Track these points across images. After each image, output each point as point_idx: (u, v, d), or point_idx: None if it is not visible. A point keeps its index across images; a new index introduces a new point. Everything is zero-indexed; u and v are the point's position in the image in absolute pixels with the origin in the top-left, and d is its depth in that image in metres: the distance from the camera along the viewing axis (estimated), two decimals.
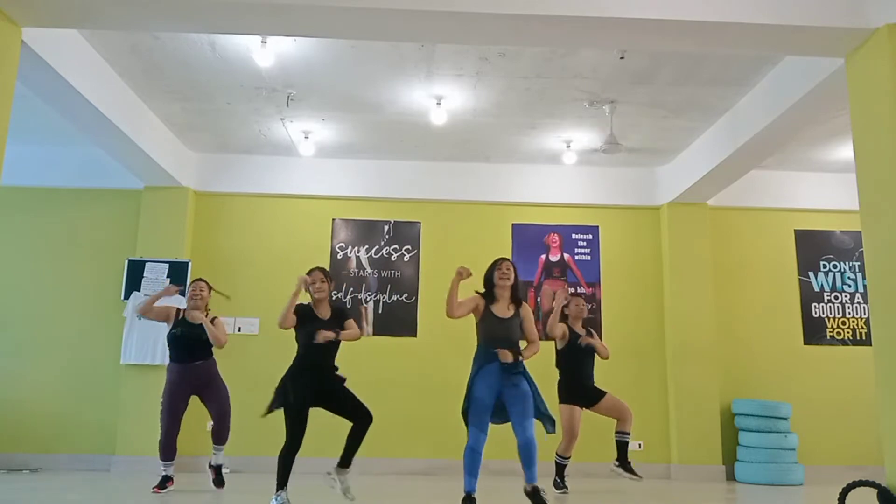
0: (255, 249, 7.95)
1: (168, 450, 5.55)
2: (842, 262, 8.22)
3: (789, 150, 7.57)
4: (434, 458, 7.43)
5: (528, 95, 6.47)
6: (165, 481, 5.52)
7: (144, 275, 7.60)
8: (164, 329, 5.87)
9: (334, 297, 7.71)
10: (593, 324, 7.79)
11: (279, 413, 4.56)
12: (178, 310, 5.71)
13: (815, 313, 8.09)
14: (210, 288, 5.82)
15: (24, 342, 7.57)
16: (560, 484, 5.95)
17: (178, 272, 7.59)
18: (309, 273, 4.72)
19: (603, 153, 7.03)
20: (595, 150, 7.58)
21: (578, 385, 5.96)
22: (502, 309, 4.57)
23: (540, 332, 7.71)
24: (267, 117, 7.07)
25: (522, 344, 4.62)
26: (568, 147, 7.57)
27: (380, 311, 7.90)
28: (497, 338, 4.48)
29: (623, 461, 6.00)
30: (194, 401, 5.70)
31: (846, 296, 8.15)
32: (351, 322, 4.77)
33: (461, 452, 4.46)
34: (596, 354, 6.04)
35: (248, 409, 7.17)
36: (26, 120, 7.00)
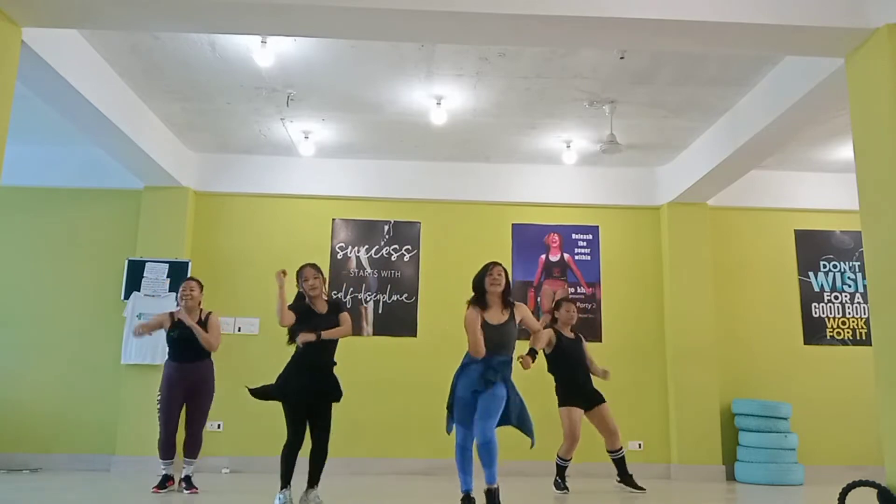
0: (255, 249, 7.95)
1: (167, 448, 5.56)
2: (842, 262, 8.22)
3: (789, 150, 7.57)
4: (434, 458, 7.42)
5: (528, 95, 6.47)
6: (165, 481, 5.53)
7: (144, 275, 7.60)
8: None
9: (334, 296, 7.73)
10: (593, 324, 7.80)
11: (279, 413, 4.56)
12: (172, 314, 5.71)
13: (815, 313, 8.09)
14: (201, 287, 5.80)
15: (24, 342, 7.57)
16: (560, 484, 5.95)
17: (178, 272, 7.59)
18: (299, 271, 4.70)
19: (603, 153, 7.02)
20: (595, 149, 7.58)
21: (575, 386, 5.94)
22: (495, 315, 4.53)
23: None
24: (267, 117, 7.07)
25: (521, 347, 4.61)
26: (568, 147, 7.57)
27: (380, 311, 7.90)
28: (494, 343, 4.47)
29: (624, 475, 5.99)
30: None
31: (846, 296, 8.15)
32: (344, 316, 4.72)
33: None
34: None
35: (247, 409, 7.19)
36: (26, 120, 7.00)
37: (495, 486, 4.36)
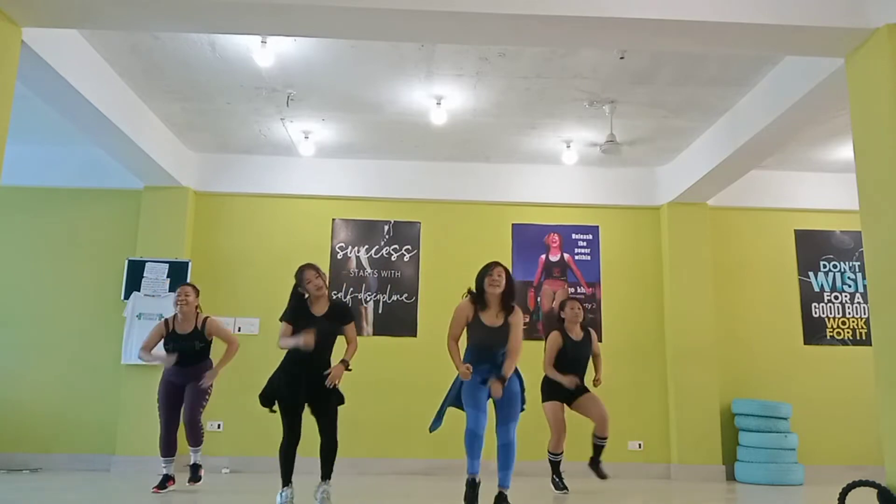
0: (255, 249, 7.95)
1: (167, 445, 5.56)
2: (842, 262, 8.22)
3: (789, 150, 7.57)
4: (434, 458, 7.43)
5: (528, 95, 6.47)
6: (166, 481, 5.52)
7: (144, 275, 7.60)
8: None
9: (335, 296, 7.73)
10: (593, 324, 7.78)
11: (279, 413, 4.56)
12: (167, 322, 5.69)
13: (815, 313, 8.09)
14: (197, 292, 5.73)
15: (24, 342, 7.58)
16: (560, 484, 5.94)
17: (178, 272, 7.59)
18: (300, 273, 4.63)
19: (603, 153, 7.02)
20: (595, 149, 7.58)
21: (570, 372, 5.92)
22: (491, 317, 4.51)
23: (541, 332, 7.78)
24: (267, 117, 7.07)
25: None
26: (568, 147, 7.57)
27: (380, 311, 7.90)
28: (483, 346, 4.48)
29: (595, 460, 5.95)
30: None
31: (846, 296, 8.15)
32: (351, 329, 4.68)
33: (461, 453, 4.46)
34: (591, 358, 6.05)
35: (247, 409, 7.19)
36: (26, 120, 7.00)
37: (507, 490, 4.35)
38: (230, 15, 4.40)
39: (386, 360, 7.72)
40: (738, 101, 6.50)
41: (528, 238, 8.14)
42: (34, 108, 6.55)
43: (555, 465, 5.98)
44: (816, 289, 8.15)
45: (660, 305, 8.03)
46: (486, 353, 4.46)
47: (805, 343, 8.02)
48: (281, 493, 4.45)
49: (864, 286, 8.09)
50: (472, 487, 4.35)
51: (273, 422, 4.61)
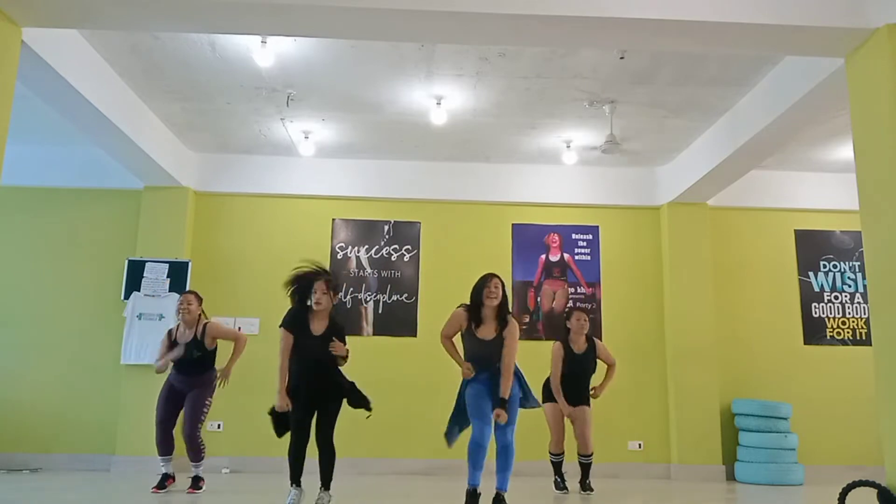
0: (255, 249, 7.95)
1: (163, 443, 5.54)
2: (842, 262, 8.22)
3: (789, 150, 7.57)
4: (434, 458, 7.42)
5: (528, 95, 6.47)
6: (164, 480, 5.52)
7: (144, 275, 7.60)
8: (163, 328, 5.87)
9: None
10: (593, 324, 7.77)
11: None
12: (170, 332, 5.70)
13: (815, 313, 8.09)
14: (199, 300, 5.71)
15: (24, 342, 7.57)
16: (560, 484, 5.95)
17: (178, 272, 7.59)
18: (313, 277, 4.54)
19: (603, 153, 7.02)
20: (595, 150, 7.58)
21: (573, 386, 5.91)
22: (487, 330, 4.49)
23: (541, 332, 7.78)
24: (267, 117, 7.07)
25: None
26: (568, 147, 7.57)
27: (380, 311, 7.89)
28: (478, 357, 4.47)
29: (583, 482, 5.88)
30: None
31: (846, 296, 8.15)
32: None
33: (462, 453, 4.46)
34: (596, 363, 6.03)
35: (247, 409, 7.21)
36: (26, 120, 7.00)
37: (505, 493, 4.36)
38: (230, 15, 4.40)
39: (386, 360, 7.72)
40: (738, 101, 6.50)
41: (528, 238, 8.14)
42: (34, 108, 6.55)
43: (556, 466, 6.00)
44: (816, 289, 8.15)
45: (660, 305, 8.03)
46: (482, 363, 4.47)
47: (805, 343, 8.02)
48: (290, 495, 4.42)
49: (864, 286, 8.09)
50: (473, 498, 4.36)
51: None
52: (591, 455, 5.90)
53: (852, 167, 7.64)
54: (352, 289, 7.93)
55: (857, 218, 5.83)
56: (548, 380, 6.01)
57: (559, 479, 5.96)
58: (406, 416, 7.56)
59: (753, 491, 6.47)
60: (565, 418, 5.95)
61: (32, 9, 4.35)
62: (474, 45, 5.43)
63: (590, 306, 7.94)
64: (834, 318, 8.10)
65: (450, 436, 4.63)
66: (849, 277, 8.20)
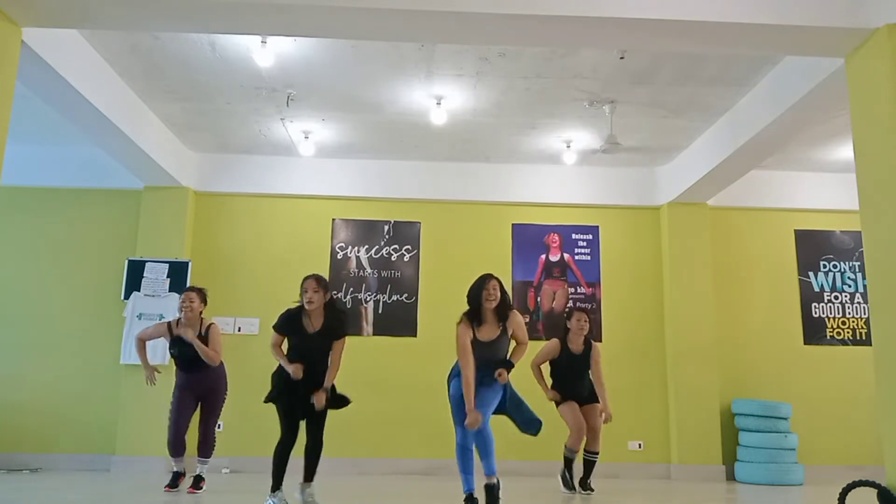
0: (255, 249, 7.95)
1: (174, 446, 5.57)
2: (842, 262, 8.22)
3: (789, 150, 7.57)
4: (434, 458, 7.43)
5: (528, 95, 6.47)
6: (176, 478, 5.56)
7: (144, 275, 7.60)
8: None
9: (336, 295, 7.73)
10: (593, 324, 7.78)
11: (278, 415, 4.56)
12: (170, 325, 5.67)
13: (815, 313, 8.09)
14: (202, 297, 5.69)
15: (24, 342, 7.57)
16: (569, 483, 5.93)
17: (178, 272, 7.59)
18: (304, 279, 4.57)
19: (603, 153, 7.02)
20: (595, 150, 7.58)
21: (566, 388, 5.92)
22: (488, 331, 4.52)
23: (541, 332, 7.78)
24: (267, 117, 7.07)
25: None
26: (568, 147, 7.57)
27: (380, 311, 7.90)
28: (482, 360, 4.47)
29: (585, 480, 5.90)
30: None
31: (846, 296, 8.15)
32: (338, 347, 4.59)
33: None
34: (590, 366, 6.02)
35: (247, 409, 7.20)
36: (26, 120, 7.00)
37: (495, 479, 4.36)
38: (230, 15, 4.40)
39: (386, 360, 7.72)
40: (738, 101, 6.50)
41: (528, 238, 8.14)
42: (34, 108, 6.55)
43: (568, 462, 5.97)
44: (816, 289, 8.15)
45: (660, 305, 8.03)
46: (484, 365, 4.48)
47: (805, 343, 8.02)
48: (270, 498, 4.44)
49: (864, 286, 8.09)
50: (471, 503, 4.37)
51: (272, 422, 4.61)
52: (597, 453, 5.92)
53: (852, 167, 7.65)
54: (352, 289, 7.93)
55: (857, 218, 5.84)
56: (558, 378, 5.95)
57: (568, 477, 5.94)
58: (406, 416, 7.57)
59: (753, 491, 6.47)
60: (581, 414, 5.90)
61: (32, 9, 4.35)
62: (474, 45, 5.43)
63: (590, 306, 7.94)
64: (834, 318, 8.10)
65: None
66: (849, 277, 8.20)
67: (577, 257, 8.13)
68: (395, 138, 7.54)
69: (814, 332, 8.05)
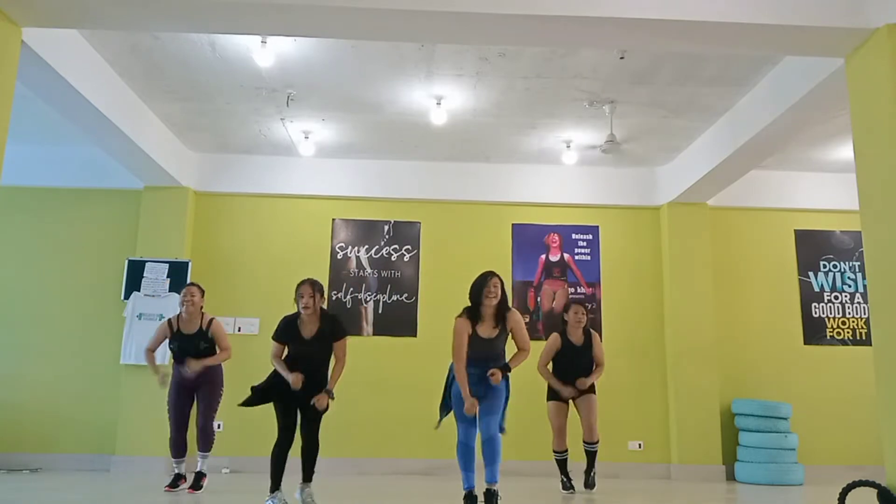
0: (255, 249, 7.96)
1: (177, 446, 5.58)
2: (842, 262, 8.22)
3: (789, 150, 7.57)
4: (434, 458, 7.43)
5: (528, 95, 6.47)
6: (178, 479, 5.57)
7: (144, 275, 7.60)
8: None
9: (335, 296, 7.74)
10: (593, 324, 7.78)
11: (276, 414, 4.56)
12: (170, 322, 5.70)
13: (815, 313, 8.09)
14: (202, 292, 5.76)
15: (24, 342, 7.58)
16: (567, 484, 5.93)
17: (178, 272, 7.59)
18: (298, 285, 4.58)
19: (603, 153, 7.02)
20: (595, 150, 7.58)
21: (572, 379, 5.92)
22: (487, 328, 4.52)
23: (541, 332, 7.78)
24: (267, 117, 7.07)
25: (511, 350, 4.61)
26: (568, 147, 7.57)
27: (380, 311, 7.90)
28: (480, 357, 4.48)
29: (588, 473, 5.95)
30: None
31: (846, 296, 8.15)
32: (339, 346, 4.59)
33: None
34: (593, 357, 6.03)
35: (247, 409, 7.17)
36: (26, 120, 7.01)
37: (496, 486, 4.36)
38: (230, 15, 4.40)
39: (386, 360, 7.72)
40: (738, 101, 6.50)
41: (528, 238, 8.14)
42: (34, 108, 6.56)
43: (561, 465, 5.98)
44: (816, 289, 8.15)
45: (660, 305, 8.03)
46: (482, 363, 4.48)
47: (805, 343, 8.02)
48: (271, 499, 4.43)
49: (864, 286, 8.09)
50: (471, 501, 4.38)
51: (272, 422, 4.61)
52: (596, 443, 5.94)
53: (852, 167, 7.65)
54: (352, 289, 7.93)
55: (857, 218, 5.85)
56: (560, 371, 5.94)
57: (565, 479, 5.94)
58: (406, 416, 7.57)
59: (753, 491, 6.47)
60: (567, 417, 5.94)
61: (32, 9, 4.35)
62: (474, 45, 5.43)
63: (590, 306, 7.93)
64: (834, 318, 8.10)
65: (440, 420, 4.70)
66: (849, 277, 8.20)
67: (577, 257, 8.13)
68: (395, 138, 7.54)
69: (814, 332, 8.05)
